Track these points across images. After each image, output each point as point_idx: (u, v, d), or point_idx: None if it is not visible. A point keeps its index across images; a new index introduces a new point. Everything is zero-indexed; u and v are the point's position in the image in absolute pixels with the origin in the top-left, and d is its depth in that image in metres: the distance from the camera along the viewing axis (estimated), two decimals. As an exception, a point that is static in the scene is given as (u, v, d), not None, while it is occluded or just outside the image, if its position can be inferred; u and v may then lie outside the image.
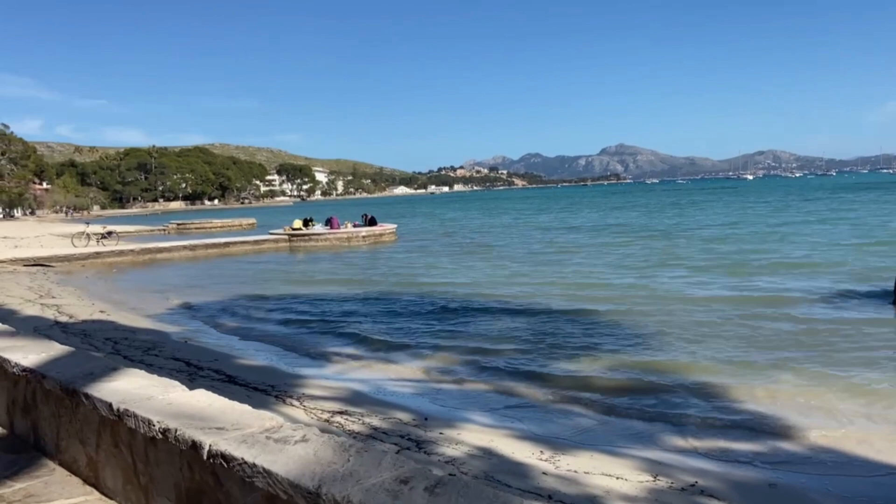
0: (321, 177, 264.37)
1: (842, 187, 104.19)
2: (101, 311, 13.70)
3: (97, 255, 26.81)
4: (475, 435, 6.06)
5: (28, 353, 4.36)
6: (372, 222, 34.89)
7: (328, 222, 34.56)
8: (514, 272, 19.15)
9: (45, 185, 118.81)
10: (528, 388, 7.75)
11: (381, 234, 33.90)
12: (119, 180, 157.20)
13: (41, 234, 43.12)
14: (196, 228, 52.43)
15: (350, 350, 10.43)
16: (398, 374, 8.85)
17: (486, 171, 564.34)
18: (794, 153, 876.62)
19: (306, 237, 32.85)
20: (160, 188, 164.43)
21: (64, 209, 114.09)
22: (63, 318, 12.48)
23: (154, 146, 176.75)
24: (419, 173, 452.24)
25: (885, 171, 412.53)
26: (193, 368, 8.63)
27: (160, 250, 28.62)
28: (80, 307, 14.25)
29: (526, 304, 13.58)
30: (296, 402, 7.10)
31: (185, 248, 29.52)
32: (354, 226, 34.28)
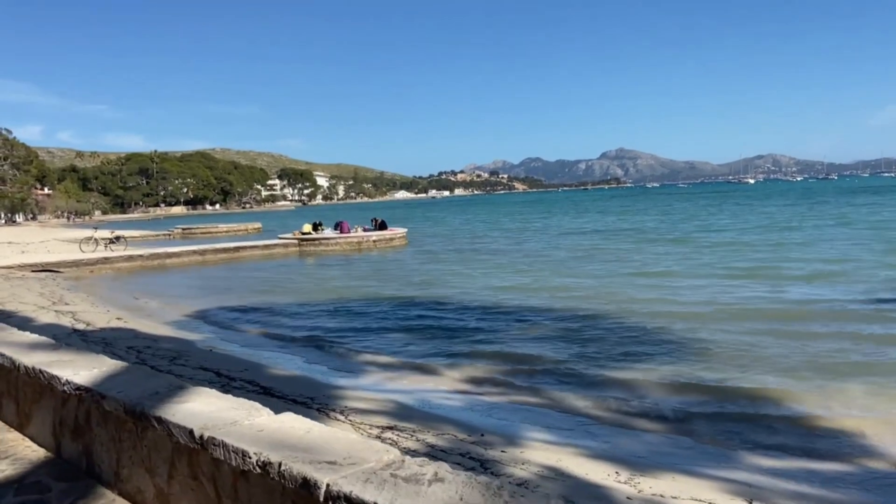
0: (322, 181, 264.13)
1: (846, 191, 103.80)
2: (118, 318, 13.33)
3: (106, 260, 26.45)
4: (540, 453, 5.67)
5: (78, 369, 3.98)
6: (382, 226, 34.48)
7: (338, 226, 34.14)
8: (534, 279, 18.74)
9: (46, 191, 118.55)
10: (584, 401, 7.34)
11: (391, 239, 33.47)
12: (120, 185, 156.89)
13: (46, 240, 42.73)
14: (202, 233, 52.01)
15: (383, 359, 10.04)
16: (439, 386, 8.46)
17: (486, 175, 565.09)
18: (793, 157, 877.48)
19: (316, 241, 32.45)
20: (162, 193, 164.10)
21: (66, 214, 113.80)
22: (80, 326, 12.09)
23: (155, 151, 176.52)
24: (420, 177, 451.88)
25: (886, 174, 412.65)
26: (225, 379, 8.24)
27: (169, 255, 28.22)
28: (95, 314, 13.87)
29: (556, 312, 13.16)
30: (340, 416, 6.72)
31: (194, 252, 29.11)
32: (364, 230, 33.85)
